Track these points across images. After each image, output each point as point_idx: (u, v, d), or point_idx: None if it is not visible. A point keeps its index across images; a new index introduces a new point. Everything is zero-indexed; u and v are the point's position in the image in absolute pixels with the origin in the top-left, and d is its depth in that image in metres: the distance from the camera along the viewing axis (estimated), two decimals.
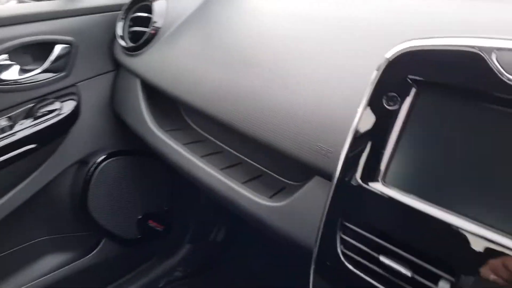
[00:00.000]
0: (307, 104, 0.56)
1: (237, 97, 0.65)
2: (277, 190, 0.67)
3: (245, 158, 0.77)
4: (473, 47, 0.38)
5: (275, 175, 0.72)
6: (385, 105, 0.43)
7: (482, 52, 0.37)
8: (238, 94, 0.65)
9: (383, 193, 0.42)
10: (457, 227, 0.37)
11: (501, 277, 0.34)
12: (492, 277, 0.35)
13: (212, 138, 0.84)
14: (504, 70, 0.36)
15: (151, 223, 1.12)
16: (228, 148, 0.80)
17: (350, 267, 0.44)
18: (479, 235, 0.36)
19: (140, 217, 1.10)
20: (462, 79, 0.39)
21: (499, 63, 0.36)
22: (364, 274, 0.43)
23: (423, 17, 0.56)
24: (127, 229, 1.08)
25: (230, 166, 0.74)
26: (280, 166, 0.71)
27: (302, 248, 0.55)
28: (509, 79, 0.36)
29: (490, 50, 0.37)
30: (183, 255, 1.24)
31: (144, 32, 0.86)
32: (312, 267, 0.49)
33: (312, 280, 0.49)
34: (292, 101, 0.58)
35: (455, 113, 0.39)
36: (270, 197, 0.65)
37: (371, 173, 0.44)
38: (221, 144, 0.81)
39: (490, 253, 0.35)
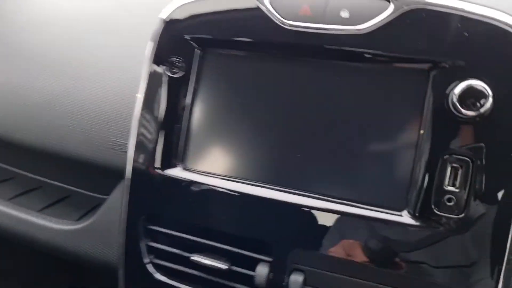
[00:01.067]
0: (92, 95, 0.45)
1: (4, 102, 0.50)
2: (88, 209, 0.55)
3: (47, 180, 0.61)
4: None
5: (86, 192, 0.59)
6: (169, 73, 0.36)
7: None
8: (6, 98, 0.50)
9: (184, 178, 0.35)
10: (265, 199, 0.32)
11: (319, 245, 0.30)
12: (310, 246, 0.31)
13: None
14: (279, 15, 0.32)
15: None
16: (22, 172, 0.63)
17: (163, 278, 0.36)
18: (291, 203, 0.31)
19: None
20: (245, 33, 0.34)
21: (274, 9, 0.33)
22: (179, 282, 0.35)
23: None
24: None
25: (25, 192, 0.58)
26: (92, 181, 0.58)
27: (116, 270, 0.44)
28: (287, 24, 0.32)
29: None
30: None
31: None
32: None
33: None
34: (74, 96, 0.46)
35: (247, 74, 0.35)
36: (78, 219, 0.52)
37: (169, 159, 0.36)
38: (11, 168, 0.63)
39: (305, 221, 0.31)
